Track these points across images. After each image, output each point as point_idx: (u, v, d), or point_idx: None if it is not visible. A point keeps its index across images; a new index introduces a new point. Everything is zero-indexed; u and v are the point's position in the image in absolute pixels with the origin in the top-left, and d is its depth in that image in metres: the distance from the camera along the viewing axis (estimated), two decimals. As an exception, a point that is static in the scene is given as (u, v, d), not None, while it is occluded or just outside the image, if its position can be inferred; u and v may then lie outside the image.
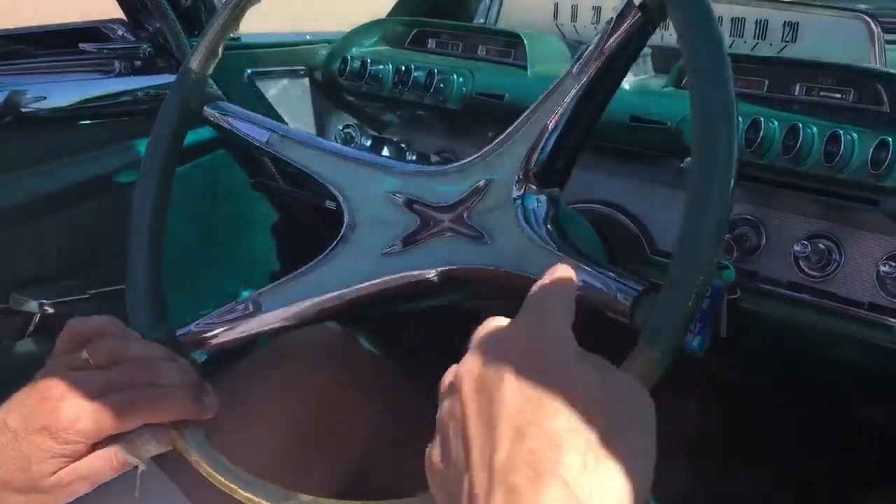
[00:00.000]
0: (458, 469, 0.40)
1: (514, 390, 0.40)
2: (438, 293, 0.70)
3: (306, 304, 0.70)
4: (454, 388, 0.43)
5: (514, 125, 0.69)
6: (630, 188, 0.92)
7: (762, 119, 0.74)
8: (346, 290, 0.69)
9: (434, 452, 0.44)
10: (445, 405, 0.44)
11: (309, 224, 1.23)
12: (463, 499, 0.38)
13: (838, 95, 0.77)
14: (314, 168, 0.76)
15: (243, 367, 0.93)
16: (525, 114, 0.69)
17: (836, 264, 0.80)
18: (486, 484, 0.37)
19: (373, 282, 0.69)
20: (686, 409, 1.19)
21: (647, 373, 0.49)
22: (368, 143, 1.12)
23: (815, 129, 0.72)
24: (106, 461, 0.63)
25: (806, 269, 0.82)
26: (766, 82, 0.81)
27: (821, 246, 0.80)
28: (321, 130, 1.20)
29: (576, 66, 0.66)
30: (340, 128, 1.19)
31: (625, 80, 0.91)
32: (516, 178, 0.67)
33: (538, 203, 0.68)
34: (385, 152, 1.11)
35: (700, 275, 0.51)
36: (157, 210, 0.76)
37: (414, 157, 1.09)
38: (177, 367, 0.66)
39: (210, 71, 0.80)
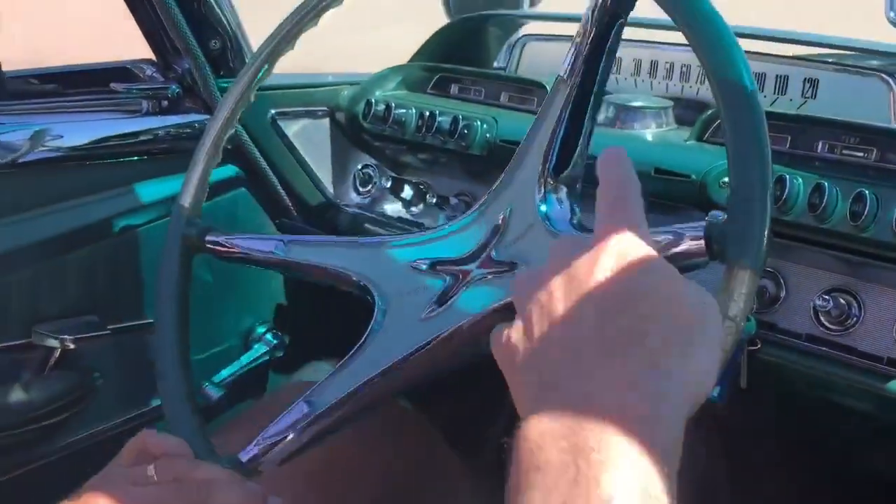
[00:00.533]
0: (545, 343, 0.42)
1: (601, 279, 0.41)
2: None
3: (362, 391, 0.68)
4: (534, 282, 0.44)
5: (519, 147, 0.70)
6: None
7: (787, 176, 0.76)
8: (397, 364, 0.68)
9: (512, 334, 0.44)
10: (524, 297, 0.44)
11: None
12: (550, 368, 0.41)
13: (861, 154, 0.79)
14: (329, 263, 0.76)
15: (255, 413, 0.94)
16: (528, 132, 0.69)
17: (855, 319, 0.81)
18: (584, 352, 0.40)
19: (421, 345, 0.67)
20: (699, 454, 1.19)
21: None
22: (388, 184, 1.14)
23: (839, 187, 0.74)
24: None
25: (825, 323, 0.83)
26: (789, 138, 0.83)
27: (841, 300, 0.81)
28: (340, 170, 1.22)
29: (565, 70, 0.68)
30: (360, 167, 1.21)
31: (647, 130, 0.94)
32: (536, 185, 0.67)
33: (560, 205, 0.67)
34: (404, 193, 1.13)
35: (764, 185, 0.53)
36: (182, 342, 0.76)
37: (434, 200, 1.11)
38: (240, 489, 0.63)
39: (203, 200, 0.82)
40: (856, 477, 1.01)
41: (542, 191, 0.67)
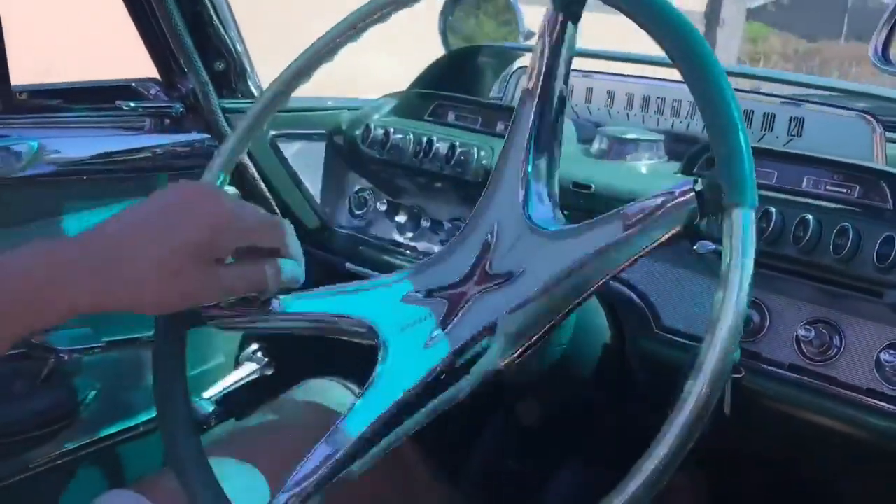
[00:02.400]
0: None
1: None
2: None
3: (380, 429, 0.67)
4: None
5: (496, 165, 0.73)
6: (640, 266, 0.96)
7: (773, 210, 0.79)
8: (410, 395, 0.67)
9: None
10: None
11: (330, 280, 1.25)
12: None
13: (844, 191, 0.82)
14: (324, 312, 0.75)
15: (250, 426, 0.95)
16: (503, 148, 0.72)
17: (836, 350, 0.83)
18: None
19: (427, 371, 0.67)
20: (677, 482, 1.21)
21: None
22: (383, 207, 1.16)
23: (823, 221, 0.76)
24: None
25: (808, 353, 0.85)
26: (776, 174, 0.85)
27: (823, 331, 0.84)
28: (336, 192, 1.24)
29: (529, 83, 0.71)
30: (355, 190, 1.23)
31: (639, 162, 0.97)
32: (519, 192, 0.70)
33: (543, 204, 0.71)
34: (399, 217, 1.15)
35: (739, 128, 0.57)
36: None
37: (427, 224, 1.13)
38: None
39: None
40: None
41: (524, 195, 0.70)
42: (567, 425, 1.16)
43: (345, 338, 0.74)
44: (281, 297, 0.73)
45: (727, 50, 7.41)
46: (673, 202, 0.61)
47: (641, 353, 0.95)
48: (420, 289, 0.72)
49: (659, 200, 0.61)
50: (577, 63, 0.77)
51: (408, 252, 1.15)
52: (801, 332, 0.84)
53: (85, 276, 0.59)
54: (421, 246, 1.15)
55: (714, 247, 0.81)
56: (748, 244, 0.57)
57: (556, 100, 0.71)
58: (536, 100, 0.71)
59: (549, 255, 0.67)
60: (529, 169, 0.71)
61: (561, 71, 0.71)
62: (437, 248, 1.11)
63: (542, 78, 0.71)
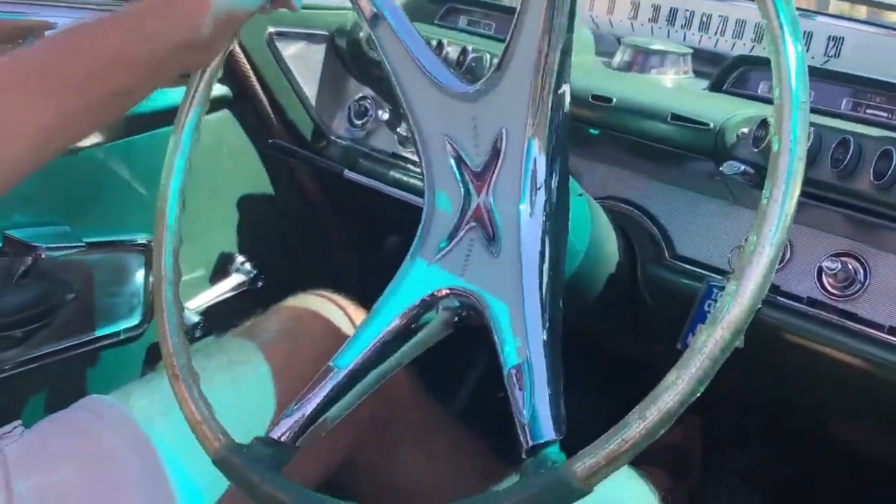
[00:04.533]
0: None
1: None
2: None
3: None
4: None
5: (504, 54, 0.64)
6: (656, 190, 0.90)
7: (811, 129, 0.73)
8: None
9: None
10: None
11: (325, 189, 1.19)
12: None
13: (885, 114, 0.76)
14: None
15: (238, 338, 0.90)
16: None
17: (860, 285, 0.79)
18: None
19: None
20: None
21: None
22: (385, 117, 1.10)
23: (865, 144, 0.71)
24: None
25: (829, 287, 0.80)
26: (812, 93, 0.79)
27: (848, 265, 0.79)
28: (335, 99, 1.17)
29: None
30: (356, 98, 1.16)
31: (664, 76, 0.90)
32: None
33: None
34: (402, 129, 1.09)
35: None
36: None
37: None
38: None
39: None
40: (843, 449, 1.00)
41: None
42: (570, 351, 1.12)
43: (444, 330, 0.67)
44: None
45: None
46: None
47: (652, 281, 0.90)
48: (438, 243, 0.66)
49: None
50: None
51: (410, 166, 1.09)
52: (827, 264, 0.79)
53: None
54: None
55: (743, 168, 0.75)
56: (794, 175, 0.49)
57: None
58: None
59: (508, 89, 0.62)
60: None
61: None
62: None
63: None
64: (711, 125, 0.78)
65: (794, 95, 0.49)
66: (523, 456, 0.55)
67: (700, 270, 0.87)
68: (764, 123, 0.74)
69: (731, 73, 0.84)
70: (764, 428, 1.09)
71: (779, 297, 0.82)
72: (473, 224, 0.65)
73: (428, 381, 1.02)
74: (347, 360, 0.64)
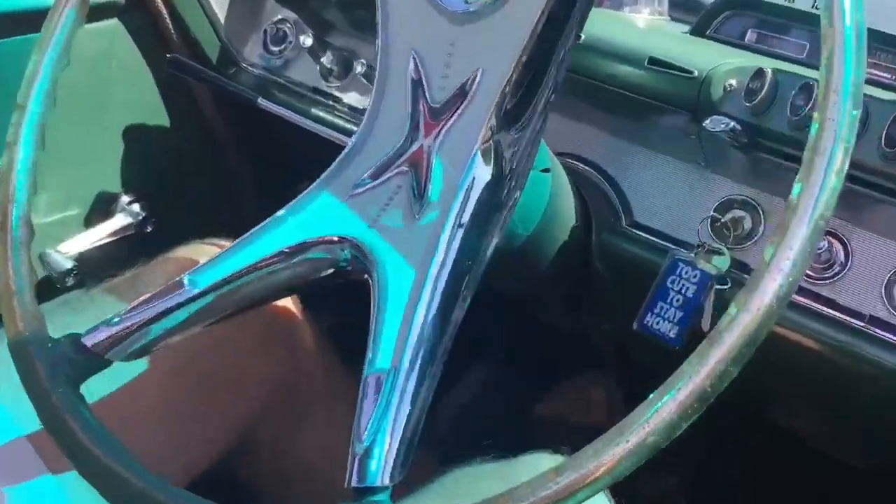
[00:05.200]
0: None
1: None
2: None
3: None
4: None
5: None
6: (617, 146, 0.80)
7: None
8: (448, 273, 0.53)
9: None
10: None
11: (233, 120, 1.04)
12: None
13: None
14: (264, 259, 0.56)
15: (112, 293, 0.76)
16: None
17: (840, 267, 0.70)
18: None
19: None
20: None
21: None
22: (308, 43, 0.95)
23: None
24: None
25: (808, 270, 0.71)
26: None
27: (829, 244, 0.70)
28: (248, 21, 1.01)
29: None
30: (273, 21, 1.01)
31: (638, 16, 0.79)
32: None
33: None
34: (326, 59, 0.95)
35: None
36: None
37: (361, 71, 0.93)
38: None
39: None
40: (811, 446, 0.93)
41: None
42: (514, 324, 1.01)
43: (317, 276, 0.57)
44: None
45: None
46: None
47: (606, 251, 0.80)
48: (360, 176, 0.56)
49: None
50: None
51: (332, 103, 0.95)
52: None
53: None
54: (349, 99, 0.95)
55: (731, 125, 0.64)
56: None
57: None
58: None
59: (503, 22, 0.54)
60: None
61: None
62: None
63: None
64: (696, 73, 0.68)
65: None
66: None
67: (663, 242, 0.77)
68: (760, 74, 0.63)
69: (716, 17, 0.73)
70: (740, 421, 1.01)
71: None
72: (406, 168, 0.55)
73: (340, 342, 0.91)
74: (204, 280, 0.53)
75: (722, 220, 0.75)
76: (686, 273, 0.73)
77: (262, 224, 0.56)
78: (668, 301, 0.73)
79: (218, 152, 1.05)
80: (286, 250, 0.55)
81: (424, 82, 0.56)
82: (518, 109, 0.57)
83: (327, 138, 0.89)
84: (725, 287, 0.73)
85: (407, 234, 0.54)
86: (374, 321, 0.52)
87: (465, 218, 0.54)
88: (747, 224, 0.75)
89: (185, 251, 0.82)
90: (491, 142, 0.56)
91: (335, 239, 0.55)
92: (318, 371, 0.87)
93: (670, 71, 0.68)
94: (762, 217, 0.74)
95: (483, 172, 0.56)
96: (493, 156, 0.56)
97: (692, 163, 0.77)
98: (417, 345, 0.50)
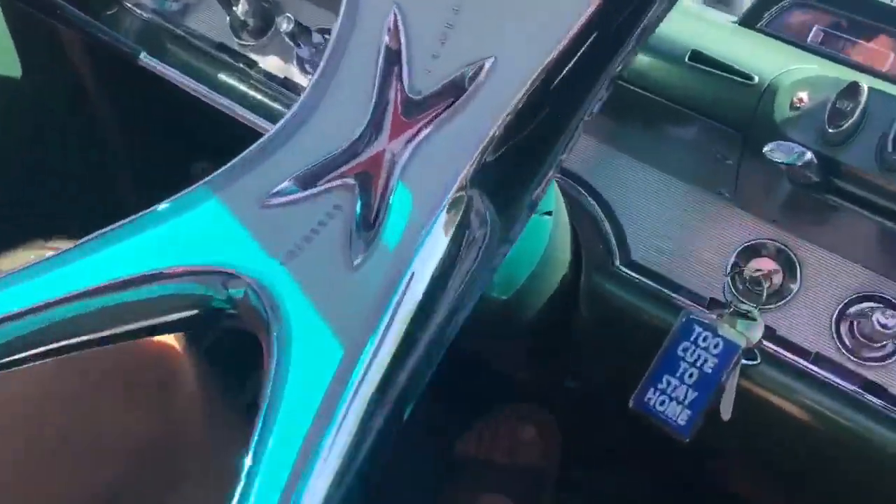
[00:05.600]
0: None
1: None
2: None
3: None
4: None
5: None
6: (623, 164, 0.64)
7: None
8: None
9: None
10: None
11: (105, 79, 0.80)
12: None
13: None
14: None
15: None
16: None
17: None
18: None
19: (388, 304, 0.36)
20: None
21: None
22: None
23: None
24: None
25: (847, 341, 0.56)
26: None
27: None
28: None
29: None
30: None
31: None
32: None
33: None
34: (240, 8, 0.74)
35: None
36: None
37: (287, 28, 0.71)
38: None
39: None
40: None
41: None
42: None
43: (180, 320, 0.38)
44: None
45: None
46: None
47: (592, 293, 0.63)
48: (279, 181, 0.37)
49: None
50: None
51: (243, 65, 0.73)
52: (852, 311, 0.56)
53: None
54: (267, 64, 0.74)
55: (807, 156, 0.47)
56: None
57: None
58: None
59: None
60: None
61: None
62: (296, 74, 0.71)
63: None
64: (756, 79, 0.50)
65: None
66: None
67: (666, 291, 0.61)
68: (854, 91, 0.46)
69: (771, 6, 0.55)
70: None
71: (782, 349, 0.57)
72: (352, 181, 0.37)
73: (224, 368, 0.72)
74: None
75: (745, 269, 0.58)
76: (705, 340, 0.57)
77: (108, 230, 0.37)
78: (679, 375, 0.57)
79: (88, 120, 0.80)
80: (134, 279, 0.36)
81: (404, 57, 0.38)
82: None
83: (236, 117, 0.68)
84: (754, 363, 0.57)
85: (338, 286, 0.36)
86: (265, 404, 0.34)
87: (430, 276, 0.36)
88: (776, 278, 0.59)
89: (22, 256, 0.61)
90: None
91: (220, 271, 0.37)
92: (196, 419, 0.69)
93: (719, 72, 0.50)
94: (798, 269, 0.59)
95: (469, 201, 0.37)
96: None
97: (714, 192, 0.60)
98: (327, 465, 0.33)
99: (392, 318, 0.35)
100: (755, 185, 0.56)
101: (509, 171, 0.38)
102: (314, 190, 0.38)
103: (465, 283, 0.37)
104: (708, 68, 0.51)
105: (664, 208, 0.62)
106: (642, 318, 0.61)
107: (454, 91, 0.37)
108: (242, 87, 0.73)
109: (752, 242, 0.59)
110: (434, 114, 0.37)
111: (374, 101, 0.38)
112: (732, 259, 0.59)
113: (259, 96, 0.72)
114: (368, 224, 0.37)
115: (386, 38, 0.38)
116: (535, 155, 0.39)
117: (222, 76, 0.71)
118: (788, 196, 0.55)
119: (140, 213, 0.38)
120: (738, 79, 0.50)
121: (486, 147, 0.37)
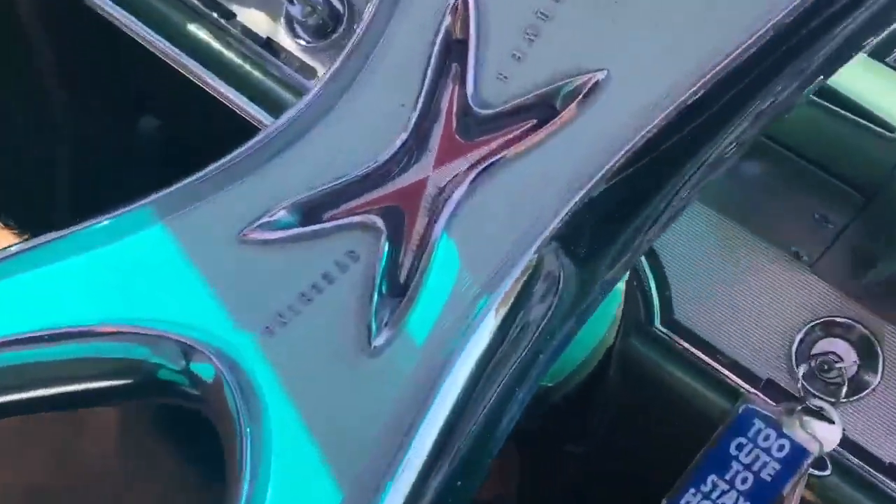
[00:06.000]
0: None
1: None
2: None
3: None
4: None
5: None
6: (698, 220, 0.51)
7: None
8: None
9: None
10: None
11: (49, 23, 0.66)
12: None
13: None
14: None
15: None
16: None
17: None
18: None
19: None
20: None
21: None
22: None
23: None
24: None
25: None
26: None
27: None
28: None
29: None
30: None
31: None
32: None
33: None
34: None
35: None
36: None
37: None
38: None
39: None
40: None
41: None
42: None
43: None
44: None
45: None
46: None
47: (626, 356, 0.51)
48: (270, 205, 0.27)
49: None
50: None
51: (217, 16, 0.58)
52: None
53: None
54: (248, 18, 0.59)
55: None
56: None
57: None
58: None
59: None
60: None
61: None
62: (283, 36, 0.57)
63: None
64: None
65: None
66: None
67: (714, 364, 0.49)
68: None
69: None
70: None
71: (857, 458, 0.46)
72: (375, 217, 0.27)
73: None
74: None
75: (814, 350, 0.48)
76: (766, 440, 0.46)
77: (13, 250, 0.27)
78: (729, 478, 0.46)
79: (25, 65, 0.65)
80: (44, 336, 0.26)
81: (471, 51, 0.27)
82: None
83: (202, 84, 0.55)
84: (825, 475, 0.46)
85: (345, 379, 0.25)
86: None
87: (480, 364, 0.25)
88: (851, 366, 0.48)
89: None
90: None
91: (167, 337, 0.26)
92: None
93: (851, 116, 0.38)
94: (880, 360, 0.48)
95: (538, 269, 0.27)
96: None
97: (785, 249, 0.49)
98: None
99: (421, 444, 0.23)
100: (851, 254, 0.45)
101: (600, 236, 0.27)
102: (319, 226, 0.26)
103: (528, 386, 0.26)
104: (836, 109, 0.39)
105: (721, 262, 0.51)
106: (677, 390, 0.51)
107: (541, 110, 0.26)
108: (216, 45, 0.59)
109: (827, 319, 0.49)
110: (506, 138, 0.26)
111: (418, 108, 0.26)
112: (800, 336, 0.49)
113: (232, 56, 0.58)
114: (397, 286, 0.25)
115: (447, 21, 0.26)
116: (632, 220, 0.27)
117: (191, 28, 0.57)
118: (891, 274, 0.44)
119: (58, 233, 0.25)
120: (876, 127, 0.38)
121: (584, 196, 0.25)
